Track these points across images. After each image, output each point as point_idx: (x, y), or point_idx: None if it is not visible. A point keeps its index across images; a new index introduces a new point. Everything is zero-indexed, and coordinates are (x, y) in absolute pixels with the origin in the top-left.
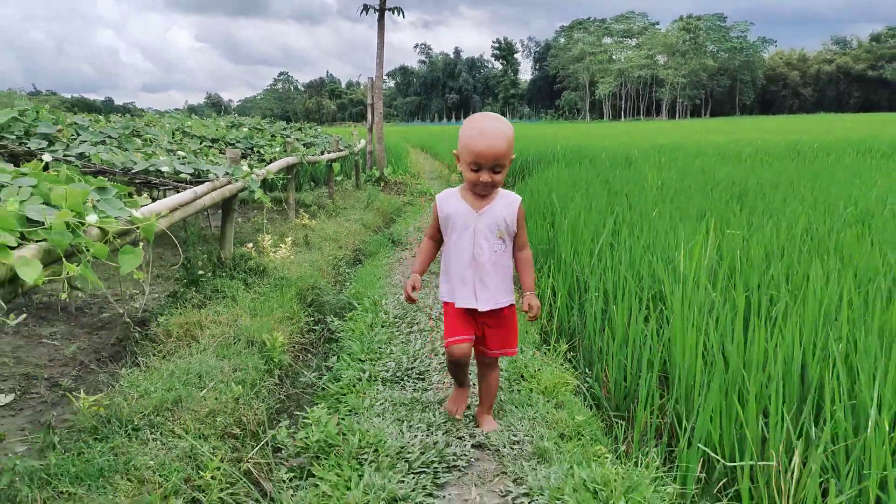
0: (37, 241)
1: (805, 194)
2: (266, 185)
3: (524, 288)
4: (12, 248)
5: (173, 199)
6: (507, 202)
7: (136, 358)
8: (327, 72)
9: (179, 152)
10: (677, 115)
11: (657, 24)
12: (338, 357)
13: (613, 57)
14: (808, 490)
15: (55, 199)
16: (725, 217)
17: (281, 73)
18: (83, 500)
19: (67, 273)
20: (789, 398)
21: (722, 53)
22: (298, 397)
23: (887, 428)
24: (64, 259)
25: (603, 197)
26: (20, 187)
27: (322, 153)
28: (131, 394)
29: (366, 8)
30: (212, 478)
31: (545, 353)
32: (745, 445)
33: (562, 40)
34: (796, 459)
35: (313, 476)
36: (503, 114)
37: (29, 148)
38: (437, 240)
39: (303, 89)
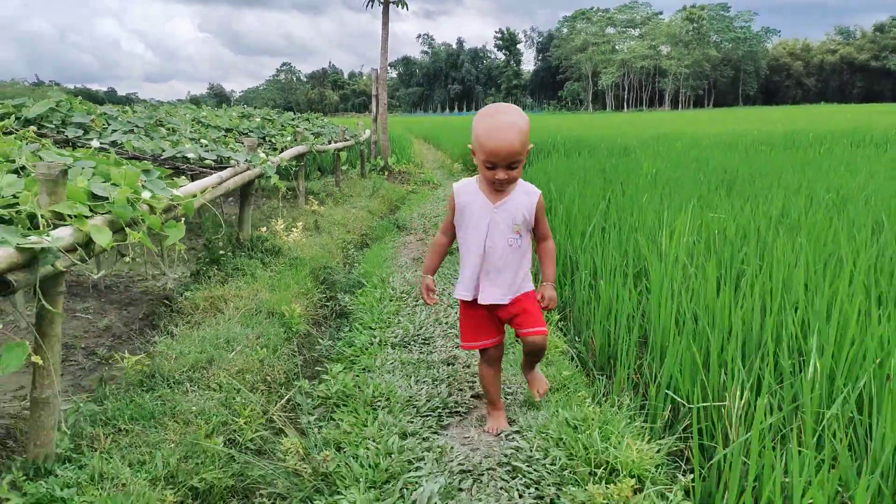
0: (102, 214)
1: (790, 181)
2: (279, 172)
3: (544, 278)
4: (87, 218)
5: (205, 181)
6: (525, 195)
7: (167, 327)
8: (329, 62)
9: (202, 140)
10: (680, 105)
11: (660, 13)
12: (350, 327)
13: (616, 47)
14: (755, 423)
15: (115, 178)
16: (712, 202)
17: (284, 64)
18: (139, 436)
19: (130, 239)
20: (749, 352)
21: (725, 43)
22: (316, 361)
23: (819, 369)
24: (126, 228)
25: (598, 184)
26: (83, 168)
27: (329, 143)
28: (169, 354)
29: (371, 0)
30: (245, 422)
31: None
32: (707, 391)
33: (564, 30)
34: (744, 398)
35: (334, 420)
36: None
37: (66, 136)
38: (450, 236)
39: (305, 80)
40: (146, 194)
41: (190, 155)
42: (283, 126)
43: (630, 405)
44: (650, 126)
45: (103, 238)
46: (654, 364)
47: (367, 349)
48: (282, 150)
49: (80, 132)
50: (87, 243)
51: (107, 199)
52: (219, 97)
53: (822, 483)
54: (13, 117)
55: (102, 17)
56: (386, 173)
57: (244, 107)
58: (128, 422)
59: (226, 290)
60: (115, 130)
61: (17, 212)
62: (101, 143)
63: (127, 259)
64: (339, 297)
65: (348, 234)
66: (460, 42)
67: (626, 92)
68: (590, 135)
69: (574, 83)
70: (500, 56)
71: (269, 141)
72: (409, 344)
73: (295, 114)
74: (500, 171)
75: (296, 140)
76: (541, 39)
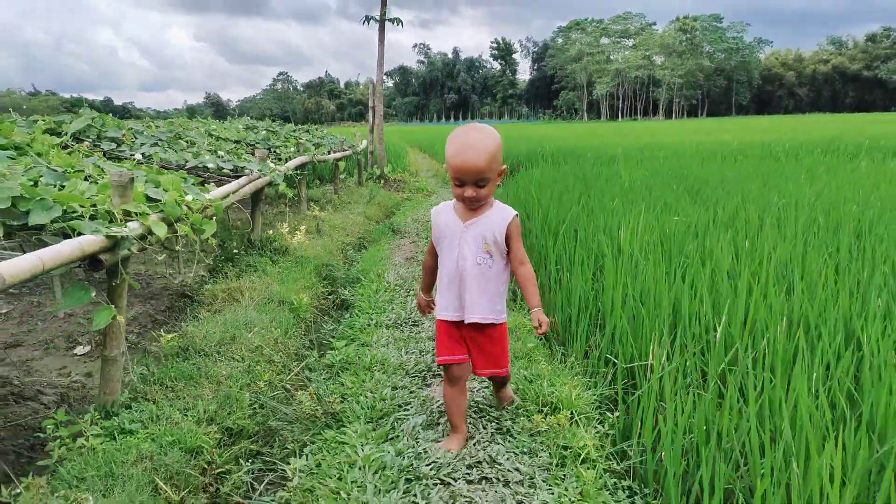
0: (156, 213)
1: (750, 189)
2: (284, 180)
3: (529, 305)
4: (147, 215)
5: (227, 187)
6: (499, 216)
7: (192, 314)
8: (326, 72)
9: (219, 152)
10: (674, 115)
11: (654, 24)
12: (350, 314)
13: (611, 57)
14: (668, 376)
15: (164, 184)
16: (677, 207)
17: (280, 73)
18: (182, 391)
19: (180, 231)
20: (678, 324)
21: (718, 54)
22: (321, 343)
23: (719, 334)
24: (175, 223)
25: (577, 191)
26: (137, 177)
27: (329, 153)
28: (198, 334)
29: (367, 19)
30: (265, 385)
31: (511, 308)
32: (640, 354)
33: (559, 41)
34: (663, 354)
35: (339, 380)
36: (501, 114)
37: (102, 149)
38: (435, 257)
39: (302, 89)
40: (189, 197)
41: (210, 165)
42: (286, 138)
43: (576, 364)
44: (641, 135)
45: (161, 230)
46: (605, 339)
47: (365, 329)
48: (286, 161)
49: (114, 145)
50: (150, 233)
51: (159, 200)
52: (215, 106)
53: (703, 412)
54: (69, 134)
55: (99, 26)
56: (382, 182)
57: (249, 119)
58: (172, 381)
59: (241, 283)
60: (144, 143)
61: (96, 210)
62: (131, 155)
63: (178, 248)
64: (340, 290)
65: (347, 236)
66: (456, 51)
67: (620, 101)
68: (580, 144)
69: (569, 92)
70: (496, 65)
71: (274, 151)
72: (401, 325)
73: (294, 124)
74: (469, 188)
75: (298, 151)
76: (536, 49)
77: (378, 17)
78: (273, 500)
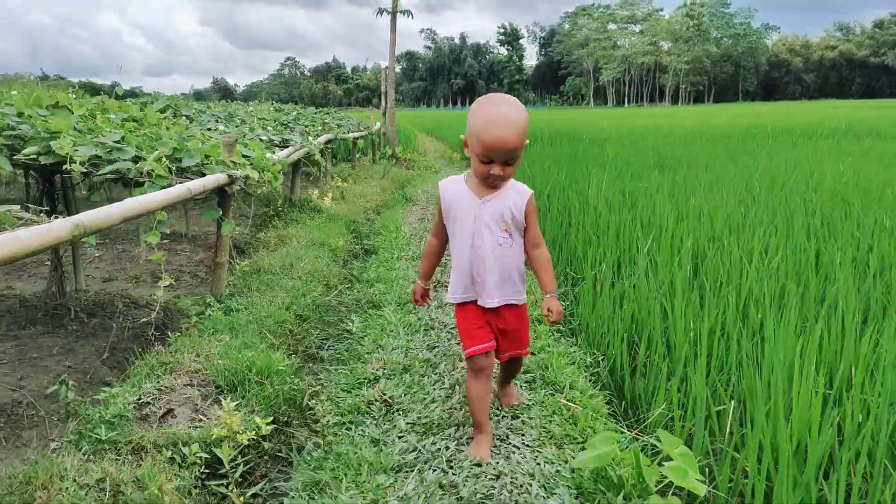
0: (250, 163)
1: (712, 164)
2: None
3: (543, 290)
4: (246, 165)
5: (285, 151)
6: (516, 193)
7: (252, 253)
8: (333, 57)
9: (268, 127)
10: (680, 100)
11: (661, 10)
12: (375, 253)
13: (617, 43)
14: (587, 268)
15: (251, 145)
16: (642, 174)
17: (287, 59)
18: (265, 292)
19: (265, 177)
20: (625, 250)
21: (725, 40)
22: (354, 273)
23: (647, 248)
24: (261, 172)
25: (564, 163)
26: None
27: (348, 132)
28: (264, 262)
29: (380, 11)
30: (318, 294)
31: None
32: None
33: (566, 26)
34: (603, 264)
35: (375, 287)
36: None
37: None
38: (441, 238)
39: (309, 74)
40: (269, 154)
41: (263, 137)
42: (312, 118)
43: None
44: (641, 120)
45: (254, 175)
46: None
47: (389, 260)
48: (316, 137)
49: (187, 121)
50: (248, 177)
51: (249, 156)
52: (222, 91)
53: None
54: (156, 111)
55: (103, 10)
56: (394, 160)
57: (274, 103)
58: (256, 286)
59: (288, 232)
60: (209, 120)
61: (214, 160)
62: (221, 128)
63: (263, 189)
64: (365, 241)
65: (367, 202)
66: (463, 37)
67: (627, 87)
68: (578, 127)
69: (576, 78)
70: (503, 51)
71: (305, 129)
72: (417, 259)
73: (316, 108)
74: (497, 166)
75: (324, 129)
76: (543, 34)
77: (390, 10)
78: (336, 350)
